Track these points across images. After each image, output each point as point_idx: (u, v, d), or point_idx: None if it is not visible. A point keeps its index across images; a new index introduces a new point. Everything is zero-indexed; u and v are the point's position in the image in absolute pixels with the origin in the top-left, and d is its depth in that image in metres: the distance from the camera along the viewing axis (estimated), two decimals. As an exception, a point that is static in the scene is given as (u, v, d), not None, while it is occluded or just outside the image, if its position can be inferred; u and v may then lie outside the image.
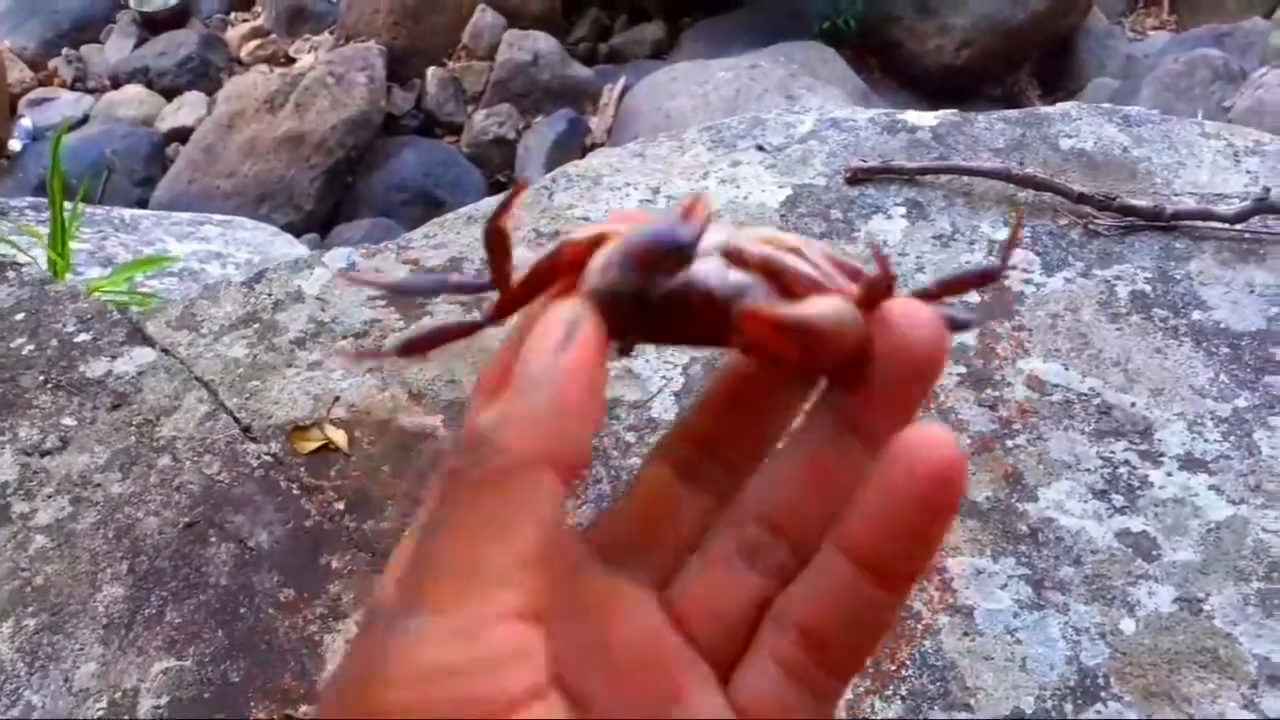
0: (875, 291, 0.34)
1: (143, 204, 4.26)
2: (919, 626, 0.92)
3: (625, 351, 0.34)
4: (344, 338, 1.23)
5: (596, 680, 0.34)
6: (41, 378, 1.21)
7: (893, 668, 0.89)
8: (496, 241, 0.36)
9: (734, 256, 0.34)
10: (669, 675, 0.34)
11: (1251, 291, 1.19)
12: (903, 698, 0.88)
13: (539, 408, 0.30)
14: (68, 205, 1.64)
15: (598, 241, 0.34)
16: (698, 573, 0.36)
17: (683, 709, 0.34)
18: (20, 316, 1.29)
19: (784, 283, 0.34)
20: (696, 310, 0.33)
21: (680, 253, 0.33)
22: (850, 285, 0.34)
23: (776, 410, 0.37)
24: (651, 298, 0.33)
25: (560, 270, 0.35)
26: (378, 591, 0.31)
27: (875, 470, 0.32)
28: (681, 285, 0.33)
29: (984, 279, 0.37)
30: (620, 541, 0.37)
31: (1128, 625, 0.91)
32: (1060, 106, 1.48)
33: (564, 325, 0.31)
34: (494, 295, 0.37)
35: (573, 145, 4.52)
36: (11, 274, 1.35)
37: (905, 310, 0.33)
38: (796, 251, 0.34)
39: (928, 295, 0.35)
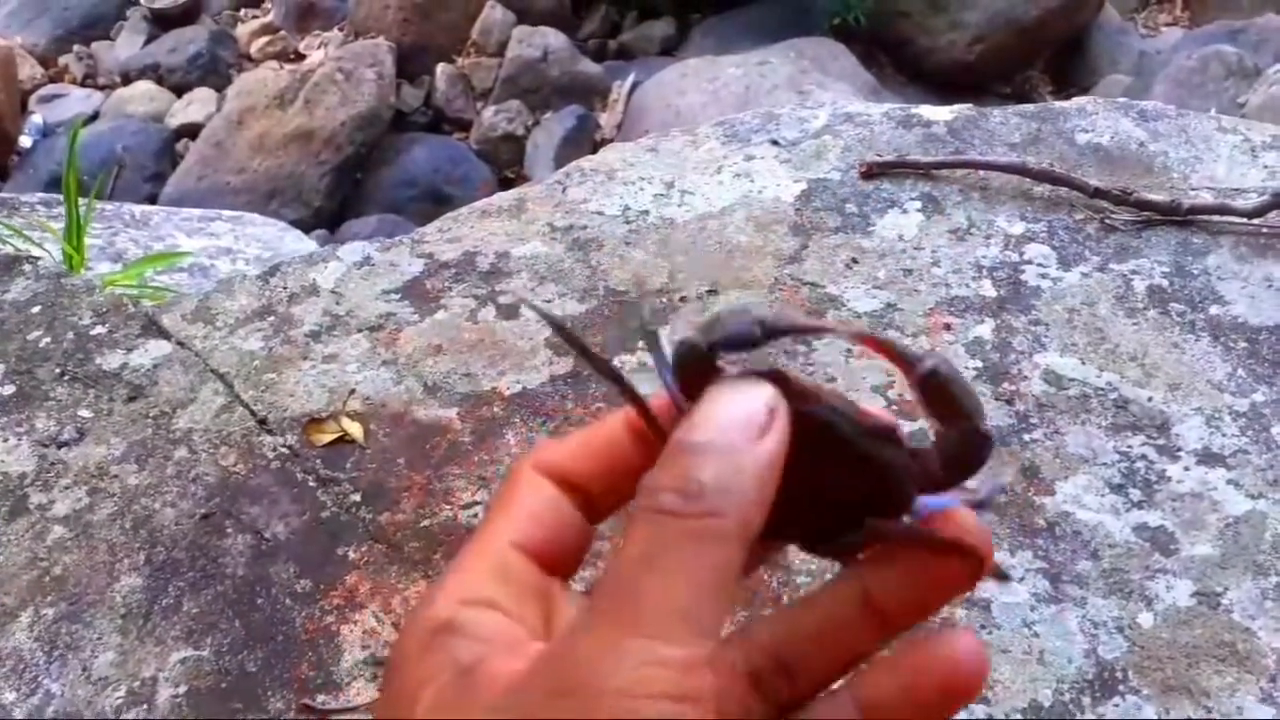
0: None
1: (153, 200, 4.26)
2: (935, 620, 0.91)
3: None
4: (359, 331, 1.23)
5: None
6: (58, 370, 1.21)
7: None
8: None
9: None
10: None
11: (1269, 286, 1.18)
12: (920, 690, 0.88)
13: (748, 480, 0.32)
14: (82, 200, 1.64)
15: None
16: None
17: None
18: (37, 310, 1.29)
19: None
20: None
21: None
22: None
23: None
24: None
25: None
26: (426, 608, 0.34)
27: (908, 656, 0.35)
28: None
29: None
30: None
31: (1146, 619, 0.91)
32: (1076, 101, 1.48)
33: (767, 407, 0.33)
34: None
35: (582, 141, 4.52)
36: (27, 267, 1.36)
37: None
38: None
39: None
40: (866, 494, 0.36)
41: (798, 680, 0.36)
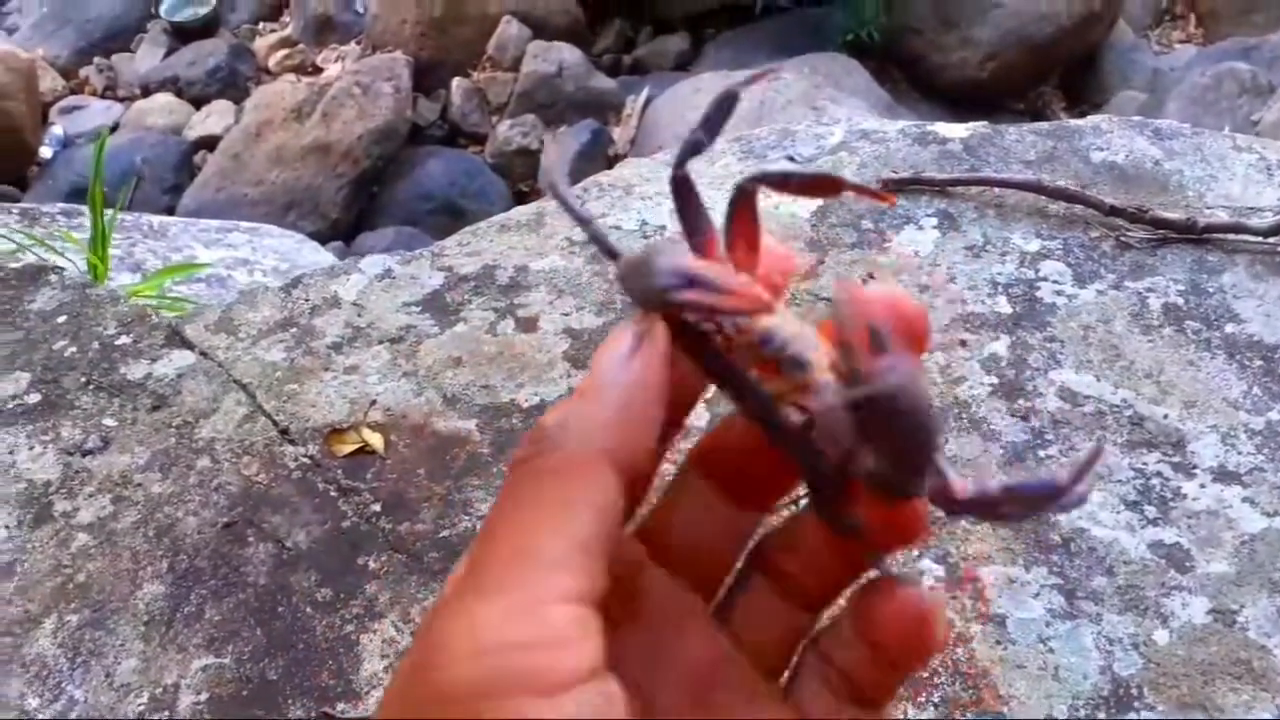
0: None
1: (171, 211, 4.30)
2: (951, 634, 0.92)
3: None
4: (380, 343, 1.24)
5: (661, 686, 0.35)
6: (83, 379, 1.23)
7: (925, 674, 0.90)
8: (682, 189, 0.37)
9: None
10: (732, 689, 0.36)
11: (1284, 305, 1.19)
12: (935, 705, 0.88)
13: (602, 408, 0.32)
14: (107, 211, 1.66)
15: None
16: (742, 600, 0.38)
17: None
18: (62, 319, 1.31)
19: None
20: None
21: None
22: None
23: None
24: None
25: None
26: (449, 580, 0.32)
27: (853, 619, 0.35)
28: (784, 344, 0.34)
29: (1049, 499, 0.33)
30: (669, 548, 0.38)
31: (1161, 636, 0.91)
32: (1091, 119, 1.49)
33: (634, 336, 0.33)
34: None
35: (596, 156, 4.54)
36: (53, 278, 1.38)
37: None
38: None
39: (987, 503, 0.33)
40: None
41: (818, 578, 0.37)
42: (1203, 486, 1.02)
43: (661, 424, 0.33)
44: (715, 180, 1.45)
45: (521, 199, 4.44)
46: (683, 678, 0.36)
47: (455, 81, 4.93)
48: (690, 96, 4.47)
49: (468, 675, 0.28)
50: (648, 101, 4.71)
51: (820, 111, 4.15)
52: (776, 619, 0.37)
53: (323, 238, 3.93)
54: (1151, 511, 1.00)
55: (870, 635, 0.35)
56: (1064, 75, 4.97)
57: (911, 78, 4.92)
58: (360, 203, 4.52)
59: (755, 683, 0.37)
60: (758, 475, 0.37)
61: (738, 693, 0.36)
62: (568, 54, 4.84)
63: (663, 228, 1.37)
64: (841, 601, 0.37)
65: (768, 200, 0.35)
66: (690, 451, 0.39)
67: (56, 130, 4.87)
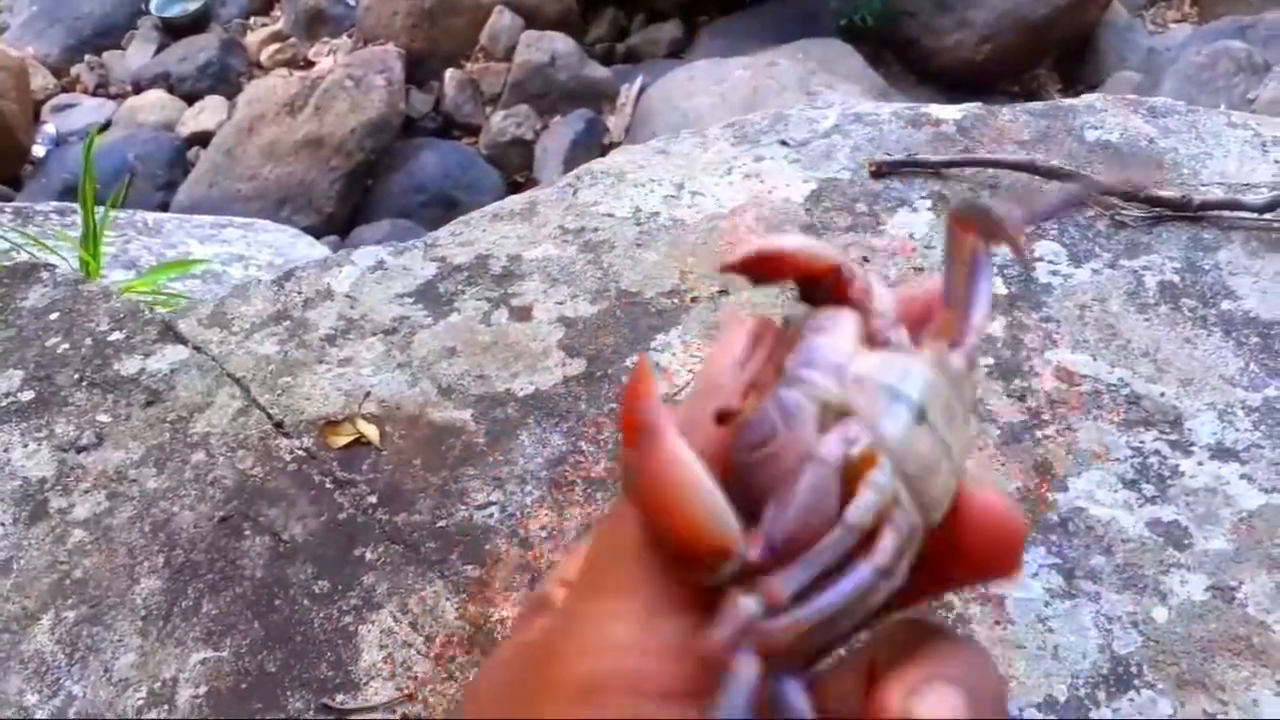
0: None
1: (165, 207, 4.29)
2: (950, 615, 0.92)
3: None
4: (373, 335, 1.24)
5: None
6: (77, 376, 1.22)
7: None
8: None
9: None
10: None
11: (1280, 281, 1.19)
12: (935, 686, 0.88)
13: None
14: (99, 208, 1.66)
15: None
16: None
17: None
18: (55, 316, 1.30)
19: (779, 486, 0.29)
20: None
21: None
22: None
23: None
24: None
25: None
26: (542, 587, 0.34)
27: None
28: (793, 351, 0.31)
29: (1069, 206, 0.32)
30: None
31: (1160, 614, 0.91)
32: (1085, 98, 1.48)
33: (748, 335, 0.32)
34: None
35: (591, 145, 4.53)
36: (45, 275, 1.37)
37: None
38: (857, 531, 0.29)
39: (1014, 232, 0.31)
40: None
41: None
42: (1200, 464, 1.02)
43: None
44: (710, 165, 1.44)
45: (516, 190, 4.43)
46: None
47: (448, 73, 4.91)
48: (684, 83, 4.46)
49: (593, 670, 0.29)
50: (642, 89, 4.70)
51: (815, 97, 4.14)
52: None
53: (317, 232, 3.92)
54: (1149, 490, 1.00)
55: (958, 533, 0.31)
56: (1059, 57, 4.96)
57: (906, 62, 4.90)
58: (354, 196, 4.50)
59: None
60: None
61: None
62: (561, 43, 4.83)
63: (655, 214, 1.36)
64: None
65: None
66: None
67: (49, 129, 4.85)
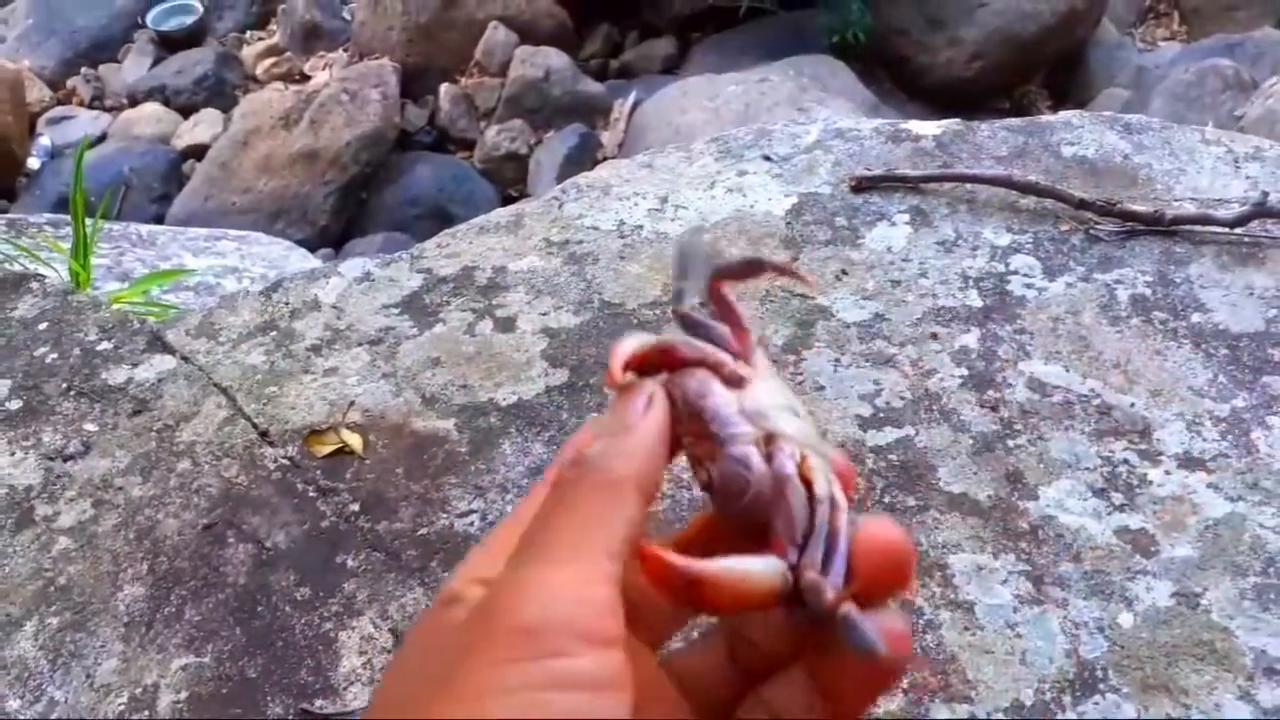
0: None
1: (159, 220, 4.31)
2: (920, 621, 0.93)
3: None
4: (359, 345, 1.26)
5: None
6: (64, 385, 1.24)
7: (895, 662, 0.91)
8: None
9: (771, 448, 0.39)
10: (668, 713, 0.41)
11: (1250, 294, 1.20)
12: (904, 691, 0.89)
13: (633, 444, 0.39)
14: (89, 220, 1.67)
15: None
16: (693, 654, 0.43)
17: None
18: (44, 326, 1.32)
19: (773, 501, 0.39)
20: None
21: None
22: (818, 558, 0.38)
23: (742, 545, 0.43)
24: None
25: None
26: (447, 583, 0.40)
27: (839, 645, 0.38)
28: (713, 417, 0.40)
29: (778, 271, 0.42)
30: (629, 601, 0.42)
31: (1126, 619, 0.93)
32: (1062, 115, 1.51)
33: (646, 394, 0.41)
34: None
35: (584, 160, 4.56)
36: (35, 285, 1.39)
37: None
38: (827, 501, 0.39)
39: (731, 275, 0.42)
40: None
41: (765, 655, 0.41)
42: (1168, 473, 1.03)
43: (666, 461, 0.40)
44: (694, 180, 1.46)
45: (509, 204, 4.45)
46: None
47: (443, 87, 4.95)
48: (677, 99, 4.49)
49: (537, 614, 0.34)
50: (635, 105, 4.73)
51: (806, 113, 4.16)
52: (721, 677, 0.42)
53: (311, 245, 3.95)
54: (1118, 498, 1.02)
55: (858, 556, 0.38)
56: (1049, 74, 5.00)
57: (897, 78, 4.94)
58: (349, 209, 4.53)
59: (687, 713, 0.41)
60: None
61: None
62: (555, 59, 4.86)
63: (639, 227, 1.38)
64: None
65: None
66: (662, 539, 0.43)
67: (44, 141, 4.88)
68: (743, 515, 0.39)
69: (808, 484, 0.38)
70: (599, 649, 0.34)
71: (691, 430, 0.40)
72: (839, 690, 0.39)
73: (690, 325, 0.44)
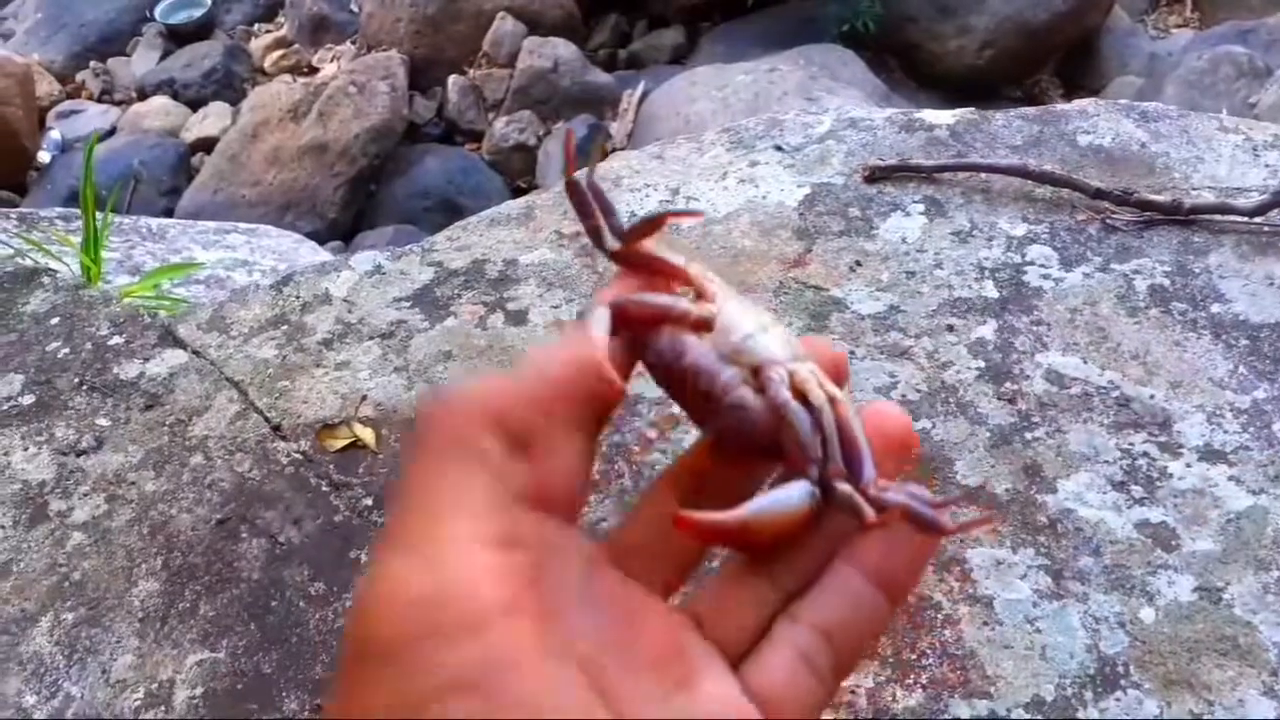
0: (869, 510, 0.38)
1: (169, 213, 4.31)
2: (939, 616, 0.93)
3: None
4: (370, 339, 1.25)
5: (614, 663, 0.36)
6: (77, 380, 1.24)
7: (913, 656, 0.90)
8: (574, 195, 0.42)
9: (761, 380, 0.39)
10: (684, 663, 0.38)
11: (1271, 284, 1.19)
12: (923, 686, 0.89)
13: (492, 384, 0.35)
14: (100, 213, 1.67)
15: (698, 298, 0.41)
16: (714, 584, 0.40)
17: (698, 690, 0.37)
18: (55, 321, 1.31)
19: (779, 428, 0.39)
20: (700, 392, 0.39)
21: None
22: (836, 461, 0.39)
23: (757, 471, 0.42)
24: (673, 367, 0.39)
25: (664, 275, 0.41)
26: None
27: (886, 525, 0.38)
28: (697, 374, 0.39)
29: (929, 529, 0.39)
30: (629, 554, 0.40)
31: (1147, 614, 0.92)
32: (1078, 103, 1.49)
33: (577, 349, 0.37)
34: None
35: (593, 151, 4.54)
36: (46, 280, 1.38)
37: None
38: (816, 412, 0.39)
39: (882, 510, 0.39)
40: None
41: (798, 561, 0.40)
42: (1189, 466, 1.02)
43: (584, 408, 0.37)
44: (705, 171, 1.45)
45: (519, 195, 4.44)
46: (642, 661, 0.37)
47: (451, 79, 4.93)
48: (686, 89, 4.47)
49: (395, 628, 0.31)
50: (644, 95, 4.71)
51: (816, 103, 4.15)
52: (747, 599, 0.39)
53: (321, 237, 3.94)
54: (1138, 491, 1.01)
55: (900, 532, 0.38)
56: (1061, 62, 4.97)
57: (908, 67, 4.91)
58: (358, 202, 4.52)
59: (713, 657, 0.38)
60: (720, 488, 0.40)
61: (697, 668, 0.37)
62: (563, 49, 4.84)
63: (651, 219, 1.37)
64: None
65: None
66: (663, 472, 0.42)
67: (54, 135, 4.88)
68: (759, 453, 0.39)
69: (804, 398, 0.39)
70: (465, 636, 0.31)
71: (682, 393, 0.39)
72: (889, 570, 0.38)
73: (583, 203, 0.42)
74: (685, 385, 0.39)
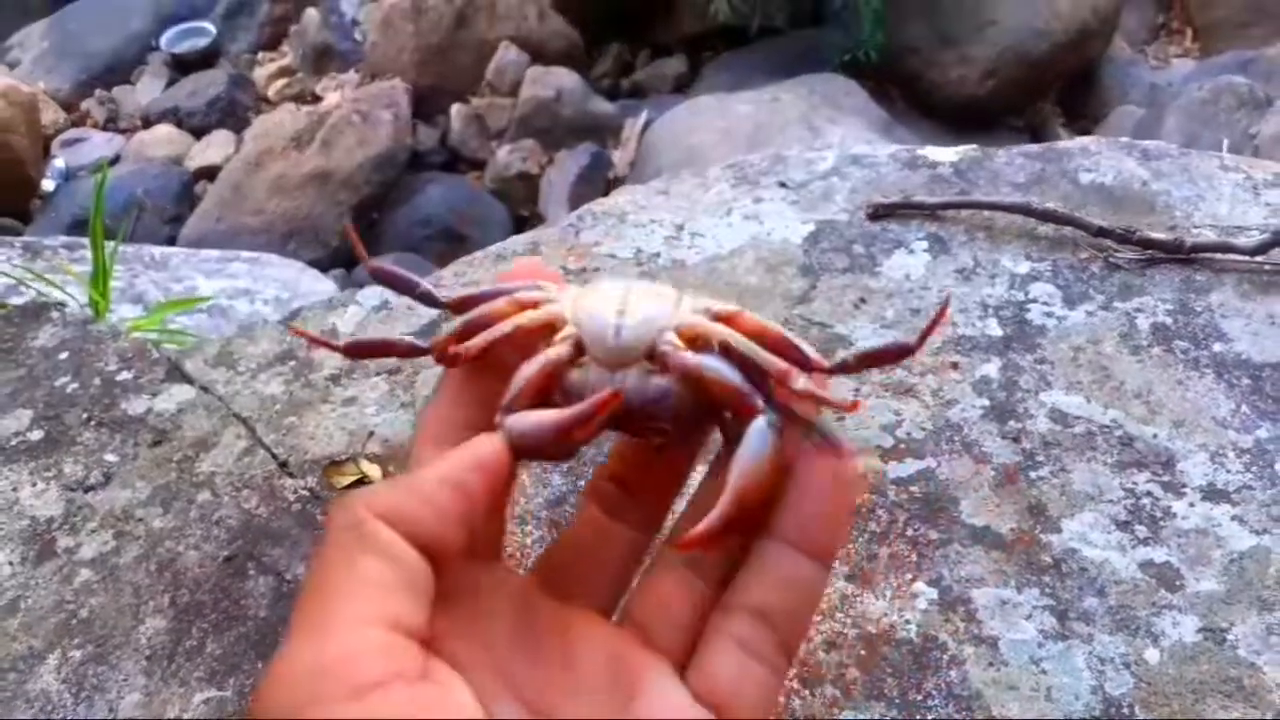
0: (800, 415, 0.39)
1: (172, 241, 4.32)
2: (944, 657, 0.93)
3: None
4: (377, 375, 1.26)
5: (560, 693, 0.37)
6: (85, 415, 1.24)
7: (919, 697, 0.90)
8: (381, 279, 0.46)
9: (659, 360, 0.39)
10: (630, 676, 0.39)
11: (1272, 323, 1.20)
12: (930, 727, 0.89)
13: (405, 486, 0.37)
14: (108, 244, 1.68)
15: (546, 328, 0.41)
16: (647, 588, 0.41)
17: (646, 703, 0.37)
18: (64, 356, 1.32)
19: (703, 387, 0.38)
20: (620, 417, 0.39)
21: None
22: (756, 397, 0.39)
23: (681, 457, 0.43)
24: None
25: (505, 345, 0.41)
26: None
27: (795, 479, 0.39)
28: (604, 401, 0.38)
29: (900, 355, 0.40)
30: (562, 574, 0.42)
31: (1152, 655, 0.92)
32: (1079, 141, 1.50)
33: (474, 455, 0.38)
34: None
35: (595, 180, 4.56)
36: (55, 314, 1.39)
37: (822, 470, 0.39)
38: (724, 347, 0.39)
39: (846, 368, 0.40)
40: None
41: (631, 488, 0.41)
42: (1192, 505, 1.03)
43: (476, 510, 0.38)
44: (710, 207, 1.46)
45: (522, 224, 4.46)
46: (587, 682, 0.38)
47: (454, 108, 4.96)
48: (688, 119, 4.49)
49: (285, 698, 0.33)
50: (647, 124, 4.73)
51: (818, 132, 4.17)
52: (684, 596, 0.40)
53: (323, 265, 3.95)
54: (1142, 531, 1.01)
55: (807, 478, 0.39)
56: (1062, 91, 4.99)
57: (910, 96, 4.93)
58: (361, 230, 4.54)
59: (658, 666, 0.39)
60: (641, 488, 0.42)
61: (644, 683, 0.38)
62: (566, 78, 4.87)
63: (656, 255, 1.38)
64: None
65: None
66: (586, 485, 0.44)
67: (58, 163, 4.90)
68: (707, 421, 0.39)
69: (706, 346, 0.38)
70: (366, 694, 0.32)
71: (614, 423, 0.39)
72: (811, 534, 0.38)
73: (397, 284, 0.45)
74: (604, 418, 0.38)
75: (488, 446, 0.38)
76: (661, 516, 0.43)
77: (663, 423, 0.38)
